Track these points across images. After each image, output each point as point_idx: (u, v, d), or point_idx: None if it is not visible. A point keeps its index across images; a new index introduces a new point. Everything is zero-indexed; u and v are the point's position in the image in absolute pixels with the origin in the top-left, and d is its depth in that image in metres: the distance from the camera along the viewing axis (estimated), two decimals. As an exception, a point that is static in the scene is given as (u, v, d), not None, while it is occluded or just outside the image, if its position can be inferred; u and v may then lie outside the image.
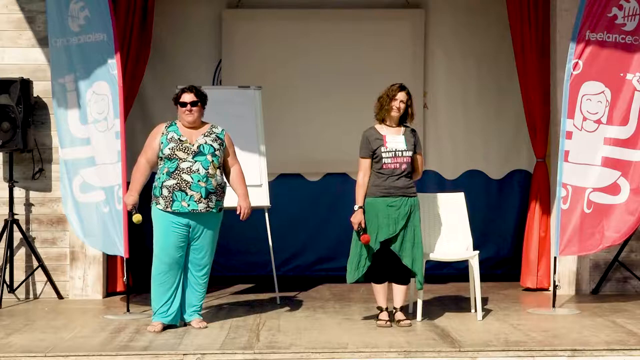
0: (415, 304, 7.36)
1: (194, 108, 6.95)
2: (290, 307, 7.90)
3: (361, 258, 7.03)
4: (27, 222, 8.41)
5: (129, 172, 7.14)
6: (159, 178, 6.90)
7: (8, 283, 8.18)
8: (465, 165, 9.93)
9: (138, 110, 9.23)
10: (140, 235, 8.44)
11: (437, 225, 7.59)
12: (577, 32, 7.57)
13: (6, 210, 8.21)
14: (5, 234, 8.13)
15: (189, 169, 6.82)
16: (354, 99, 9.38)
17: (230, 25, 9.71)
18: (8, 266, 8.17)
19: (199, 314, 7.13)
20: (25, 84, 8.16)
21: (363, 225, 6.96)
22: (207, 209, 6.87)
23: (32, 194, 8.42)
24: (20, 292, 8.35)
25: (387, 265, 7.07)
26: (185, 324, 7.07)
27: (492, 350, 6.21)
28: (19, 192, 8.35)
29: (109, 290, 8.52)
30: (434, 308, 7.73)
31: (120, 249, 7.52)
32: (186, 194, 6.80)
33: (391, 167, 7.00)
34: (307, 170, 9.90)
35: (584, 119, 7.60)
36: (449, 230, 7.58)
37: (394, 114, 7.04)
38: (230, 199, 7.17)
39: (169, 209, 6.83)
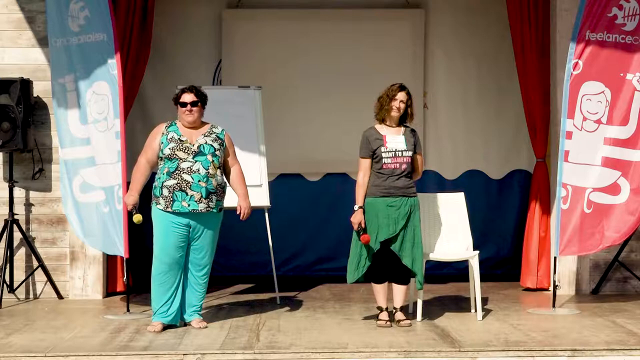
0: (415, 304, 7.36)
1: (194, 108, 6.95)
2: (290, 307, 7.90)
3: (361, 258, 7.03)
4: (27, 222, 8.41)
5: (129, 172, 7.14)
6: (159, 178, 6.90)
7: (8, 283, 8.18)
8: (465, 165, 9.93)
9: (138, 110, 9.23)
10: (140, 235, 8.44)
11: (437, 225, 7.59)
12: (577, 32, 7.57)
13: (6, 210, 8.21)
14: (5, 234, 8.14)
15: (189, 169, 6.82)
16: (354, 99, 9.38)
17: (230, 25, 9.71)
18: (8, 266, 8.17)
19: (199, 314, 7.13)
20: (25, 84, 8.17)
21: (363, 225, 6.96)
22: (208, 209, 6.87)
23: (32, 194, 8.42)
24: (20, 292, 8.35)
25: (387, 265, 7.07)
26: (185, 324, 7.07)
27: (492, 350, 6.21)
28: (19, 192, 8.35)
29: (109, 290, 8.52)
30: (434, 308, 7.73)
31: (120, 249, 7.52)
32: (186, 194, 6.80)
33: (391, 167, 7.00)
34: (307, 170, 9.90)
35: (584, 119, 7.60)
36: (449, 230, 7.58)
37: (394, 114, 7.04)
38: (231, 199, 7.17)
39: (169, 209, 6.83)
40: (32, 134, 8.29)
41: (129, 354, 6.16)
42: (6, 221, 8.18)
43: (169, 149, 6.86)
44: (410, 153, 7.04)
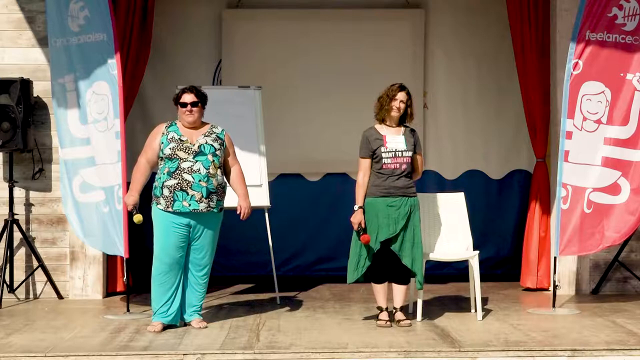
0: (415, 304, 7.36)
1: (194, 108, 6.95)
2: (290, 307, 7.90)
3: (360, 258, 7.03)
4: (27, 222, 8.41)
5: (129, 172, 7.14)
6: (160, 178, 6.90)
7: (8, 283, 8.18)
8: (465, 165, 9.93)
9: (138, 110, 9.23)
10: (140, 236, 8.44)
11: (437, 225, 7.59)
12: (577, 32, 7.57)
13: (6, 210, 8.21)
14: (5, 234, 8.13)
15: (190, 168, 6.83)
16: (354, 99, 9.38)
17: (230, 25, 9.71)
18: (8, 266, 8.17)
19: (199, 314, 7.13)
20: (25, 84, 8.17)
21: (363, 225, 6.96)
22: (208, 208, 6.87)
23: (32, 194, 8.42)
24: (20, 292, 8.35)
25: (387, 265, 7.07)
26: (185, 324, 7.07)
27: (492, 350, 6.21)
28: (19, 192, 8.35)
29: (109, 290, 8.52)
30: (434, 308, 7.72)
31: (120, 249, 7.52)
32: (187, 193, 6.81)
33: (391, 167, 7.00)
34: (307, 170, 9.90)
35: (584, 119, 7.60)
36: (449, 230, 7.58)
37: (394, 114, 7.04)
38: (231, 199, 7.17)
39: (169, 209, 6.83)
40: (32, 134, 8.29)
41: (129, 354, 6.16)
42: (6, 221, 8.18)
43: (170, 148, 6.86)
44: (410, 153, 7.04)
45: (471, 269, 7.42)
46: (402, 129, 7.12)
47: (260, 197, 8.12)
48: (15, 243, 8.30)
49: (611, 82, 7.61)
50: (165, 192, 6.84)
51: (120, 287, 8.44)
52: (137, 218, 6.90)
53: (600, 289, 8.53)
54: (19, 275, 8.33)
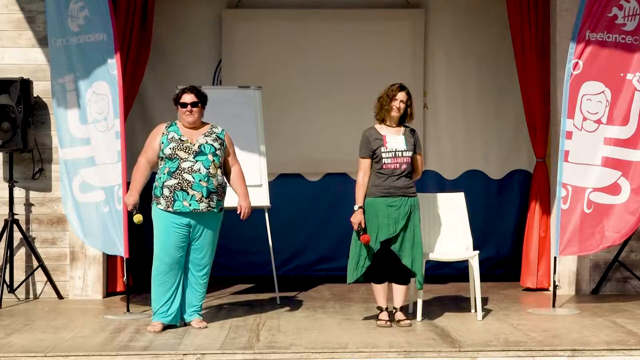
0: (415, 304, 7.36)
1: (194, 109, 6.95)
2: (290, 307, 7.90)
3: (360, 258, 7.03)
4: (27, 222, 8.41)
5: (129, 172, 7.14)
6: (160, 178, 6.90)
7: (8, 283, 8.18)
8: (465, 165, 9.93)
9: (138, 110, 9.23)
10: (140, 236, 8.44)
11: (437, 225, 7.59)
12: (577, 32, 7.57)
13: (6, 210, 8.21)
14: (5, 234, 8.13)
15: (190, 168, 6.83)
16: (354, 99, 9.38)
17: (230, 25, 9.71)
18: (8, 266, 8.17)
19: (199, 314, 7.13)
20: (25, 84, 8.17)
21: (363, 225, 6.96)
22: (209, 208, 6.87)
23: (32, 194, 8.42)
24: (20, 292, 8.34)
25: (387, 265, 7.07)
26: (185, 324, 7.07)
27: (492, 350, 6.20)
28: (19, 192, 8.35)
29: (109, 290, 8.52)
30: (434, 308, 7.72)
31: (120, 249, 7.52)
32: (187, 193, 6.81)
33: (391, 167, 7.00)
34: (307, 170, 9.90)
35: (584, 119, 7.60)
36: (449, 230, 7.58)
37: (394, 114, 7.04)
38: (231, 199, 7.17)
39: (170, 209, 6.83)
40: (32, 134, 8.29)
41: (129, 354, 6.16)
42: (6, 221, 8.17)
43: (170, 148, 6.87)
44: (410, 153, 7.04)
45: (471, 269, 7.42)
46: (402, 129, 7.12)
47: (260, 197, 8.12)
48: (15, 243, 8.30)
49: (611, 82, 7.61)
50: (166, 192, 6.84)
51: (120, 287, 8.43)
52: (137, 218, 6.90)
53: (600, 289, 8.53)
54: (19, 275, 8.33)
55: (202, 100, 7.01)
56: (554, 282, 7.79)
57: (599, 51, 7.60)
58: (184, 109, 6.96)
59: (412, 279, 7.18)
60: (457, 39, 9.81)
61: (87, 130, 7.73)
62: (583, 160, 7.60)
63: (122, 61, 7.86)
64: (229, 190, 7.12)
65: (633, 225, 7.67)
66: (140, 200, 6.96)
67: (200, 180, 6.83)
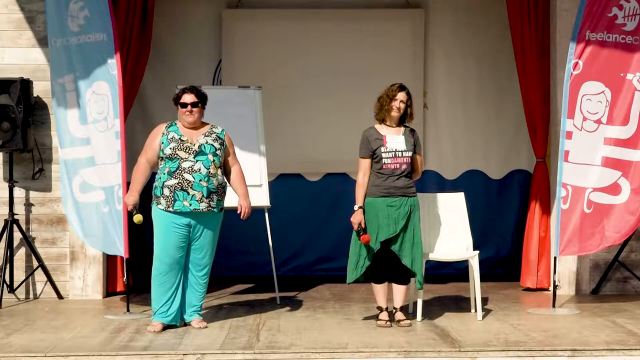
0: (415, 304, 7.36)
1: (194, 109, 6.95)
2: (290, 307, 7.90)
3: (360, 258, 7.03)
4: (27, 222, 8.41)
5: (129, 172, 7.14)
6: (160, 178, 6.90)
7: (8, 283, 8.18)
8: (465, 165, 9.93)
9: (138, 110, 9.23)
10: (140, 236, 8.44)
11: (437, 225, 7.59)
12: (577, 32, 7.57)
13: (6, 210, 8.21)
14: (5, 234, 8.13)
15: (190, 168, 6.83)
16: (354, 99, 9.38)
17: (230, 25, 9.71)
18: (8, 266, 8.17)
19: (199, 314, 7.13)
20: (25, 84, 8.16)
21: (363, 225, 6.96)
22: (209, 208, 6.87)
23: (32, 194, 8.42)
24: (20, 292, 8.34)
25: (387, 265, 7.07)
26: (185, 324, 7.07)
27: (492, 350, 6.20)
28: (19, 192, 8.35)
29: (109, 290, 8.52)
30: (434, 308, 7.72)
31: (120, 249, 7.52)
32: (188, 193, 6.81)
33: (391, 168, 7.00)
34: (307, 170, 9.90)
35: (584, 119, 7.60)
36: (449, 230, 7.58)
37: (394, 114, 7.04)
38: (231, 199, 7.17)
39: (170, 209, 6.83)
40: (32, 134, 8.29)
41: (129, 354, 6.16)
42: (6, 221, 8.17)
43: (170, 148, 6.87)
44: (410, 153, 7.04)
45: (471, 269, 7.42)
46: (402, 129, 7.12)
47: (260, 197, 8.12)
48: (15, 243, 8.30)
49: (611, 82, 7.61)
50: (166, 191, 6.84)
51: (120, 287, 8.43)
52: (137, 218, 6.90)
53: (600, 289, 8.53)
54: (19, 275, 8.33)
55: (202, 101, 7.01)
56: (554, 282, 7.79)
57: (599, 51, 7.60)
58: (184, 109, 6.96)
59: (412, 279, 7.18)
60: (457, 39, 9.81)
61: (87, 130, 7.73)
62: (583, 160, 7.60)
63: (122, 61, 7.86)
64: (229, 190, 7.13)
65: (633, 225, 7.67)
66: (140, 200, 6.96)
67: (200, 180, 6.83)
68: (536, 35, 8.61)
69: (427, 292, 7.92)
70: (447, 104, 9.88)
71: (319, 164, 9.82)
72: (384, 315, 7.08)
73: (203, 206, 6.84)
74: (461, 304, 7.95)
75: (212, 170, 6.88)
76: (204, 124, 7.06)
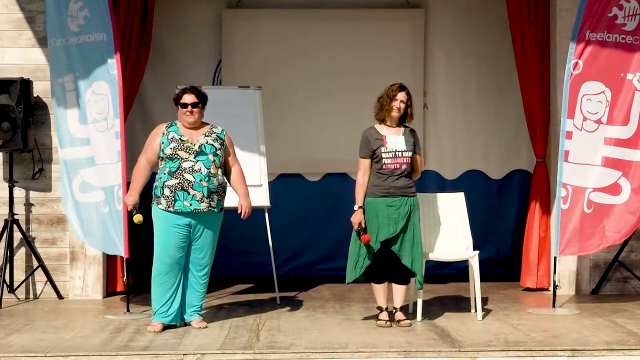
0: (415, 304, 7.36)
1: (194, 109, 6.95)
2: (290, 307, 7.90)
3: (359, 258, 7.03)
4: (27, 222, 8.41)
5: (129, 172, 7.14)
6: (160, 178, 6.90)
7: (8, 283, 8.18)
8: (465, 165, 9.93)
9: (138, 110, 9.23)
10: (140, 236, 8.44)
11: (437, 225, 7.59)
12: (577, 32, 7.57)
13: (6, 210, 8.21)
14: (5, 234, 8.13)
15: (191, 168, 6.83)
16: (354, 99, 9.38)
17: (230, 25, 9.71)
18: (8, 266, 8.17)
19: (199, 314, 7.13)
20: (25, 84, 8.16)
21: (363, 225, 6.96)
22: (209, 208, 6.87)
23: (32, 194, 8.42)
24: (20, 292, 8.34)
25: (386, 265, 7.06)
26: (185, 324, 7.07)
27: (492, 350, 6.20)
28: (19, 192, 8.35)
29: (109, 290, 8.52)
30: (434, 308, 7.72)
31: (120, 249, 7.52)
32: (188, 193, 6.81)
33: (391, 168, 7.00)
34: (307, 170, 9.90)
35: (584, 119, 7.60)
36: (449, 230, 7.58)
37: (394, 114, 7.04)
38: (231, 199, 7.17)
39: (170, 209, 6.83)
40: (32, 134, 8.29)
41: (129, 354, 6.16)
42: (6, 221, 8.17)
43: (170, 148, 6.87)
44: (410, 153, 7.04)
45: (471, 269, 7.42)
46: (402, 129, 7.12)
47: (260, 197, 8.12)
48: (15, 243, 8.30)
49: (611, 82, 7.61)
50: (166, 191, 6.84)
51: (120, 287, 8.43)
52: (137, 218, 6.90)
53: (600, 289, 8.53)
54: (19, 275, 8.33)
55: (202, 101, 7.01)
56: (554, 282, 7.79)
57: (599, 51, 7.60)
58: (185, 110, 6.96)
59: (412, 279, 7.18)
60: (457, 39, 9.81)
61: (87, 130, 7.73)
62: (583, 160, 7.60)
63: (122, 61, 7.86)
64: (229, 190, 7.13)
65: (633, 225, 7.67)
66: (140, 200, 6.96)
67: (201, 180, 6.83)
68: (536, 35, 8.61)
69: (427, 292, 7.92)
70: (447, 104, 9.88)
71: (319, 164, 9.82)
72: (384, 315, 7.08)
73: (203, 206, 6.85)
74: (461, 304, 7.95)
75: (212, 170, 6.88)
76: (204, 124, 7.06)
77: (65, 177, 7.85)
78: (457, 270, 9.33)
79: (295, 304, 8.06)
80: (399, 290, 7.14)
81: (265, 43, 9.70)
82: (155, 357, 6.14)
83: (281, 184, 9.58)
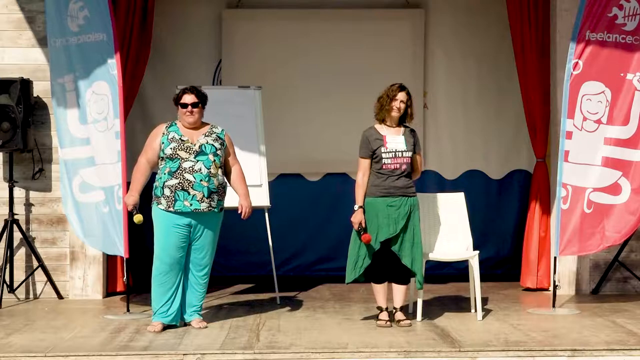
0: (415, 304, 7.36)
1: (194, 109, 6.95)
2: (290, 307, 7.90)
3: (359, 258, 7.03)
4: (27, 222, 8.41)
5: (129, 172, 7.14)
6: (160, 178, 6.90)
7: (8, 283, 8.18)
8: (465, 165, 9.93)
9: (138, 110, 9.23)
10: (140, 236, 8.44)
11: (437, 225, 7.59)
12: (577, 32, 7.57)
13: (6, 210, 8.21)
14: (5, 234, 8.13)
15: (191, 168, 6.83)
16: (354, 99, 9.38)
17: (230, 25, 9.71)
18: (8, 266, 8.17)
19: (199, 314, 7.13)
20: (25, 84, 8.16)
21: (364, 225, 6.96)
22: (210, 208, 6.87)
23: (32, 194, 8.42)
24: (20, 292, 8.34)
25: (387, 265, 7.07)
26: (185, 324, 7.07)
27: (492, 350, 6.20)
28: (19, 192, 8.35)
29: (109, 290, 8.52)
30: (434, 308, 7.72)
31: (120, 249, 7.52)
32: (189, 193, 6.81)
33: (391, 168, 7.00)
34: (307, 170, 9.90)
35: (584, 119, 7.60)
36: (449, 230, 7.58)
37: (395, 114, 7.04)
38: (231, 199, 7.17)
39: (171, 209, 6.83)
40: (32, 134, 8.29)
41: (129, 354, 6.16)
42: (6, 221, 8.17)
43: (171, 148, 6.87)
44: (410, 153, 7.04)
45: (471, 269, 7.42)
46: (402, 129, 7.12)
47: (260, 197, 8.12)
48: (15, 243, 8.30)
49: (611, 82, 7.61)
50: (167, 192, 6.84)
51: (120, 287, 8.43)
52: (137, 218, 6.90)
53: (600, 289, 8.53)
54: (19, 275, 8.33)
55: (202, 101, 7.01)
56: (554, 282, 7.79)
57: (599, 51, 7.60)
58: (185, 110, 6.96)
59: (412, 279, 7.18)
60: (457, 39, 9.81)
61: (87, 130, 7.73)
62: (583, 160, 7.60)
63: (122, 61, 7.86)
64: (229, 190, 7.13)
65: (633, 225, 7.67)
66: (140, 200, 6.96)
67: (201, 180, 6.83)
68: (536, 35, 8.61)
69: (427, 292, 7.92)
70: (447, 104, 9.88)
71: (319, 164, 9.82)
72: (384, 315, 7.08)
73: (204, 206, 6.85)
74: (461, 304, 7.95)
75: (212, 170, 6.88)
76: (204, 124, 7.06)
77: (65, 177, 7.85)
78: (457, 270, 9.33)
79: (295, 304, 8.06)
80: (399, 290, 7.14)
81: (265, 43, 9.70)
82: (155, 357, 6.14)
83: (281, 184, 9.58)
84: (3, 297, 7.98)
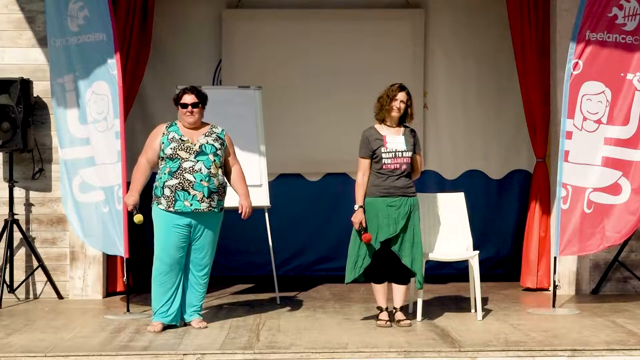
0: (415, 304, 7.36)
1: (195, 109, 6.96)
2: (290, 307, 7.90)
3: (359, 258, 7.03)
4: (27, 222, 8.41)
5: (129, 172, 7.14)
6: (161, 178, 6.90)
7: (8, 283, 8.18)
8: (465, 165, 9.93)
9: (138, 110, 9.23)
10: (140, 236, 8.44)
11: (437, 225, 7.59)
12: (577, 32, 7.57)
13: (6, 210, 8.21)
14: (5, 234, 8.13)
15: (191, 168, 6.83)
16: (354, 99, 9.38)
17: (230, 25, 9.71)
18: (8, 266, 8.17)
19: (199, 314, 7.13)
20: (25, 84, 8.16)
21: (364, 224, 6.96)
22: (210, 208, 6.87)
23: (32, 194, 8.42)
24: (20, 292, 8.34)
25: (386, 265, 7.07)
26: (185, 324, 7.07)
27: (492, 350, 6.20)
28: (19, 192, 8.35)
29: (109, 290, 8.52)
30: (434, 308, 7.72)
31: (120, 249, 7.52)
32: (189, 193, 6.81)
33: (391, 168, 7.00)
34: (307, 170, 9.90)
35: (584, 119, 7.60)
36: (449, 230, 7.58)
37: (395, 114, 7.04)
38: (231, 199, 7.17)
39: (171, 209, 6.83)
40: (32, 134, 8.29)
41: (129, 354, 6.16)
42: (6, 221, 8.17)
43: (171, 148, 6.87)
44: (410, 153, 7.04)
45: (471, 269, 7.42)
46: (402, 129, 7.12)
47: (260, 197, 8.12)
48: (15, 243, 8.30)
49: (611, 82, 7.61)
50: (167, 192, 6.84)
51: (120, 287, 8.43)
52: (138, 218, 6.90)
53: (600, 289, 8.53)
54: (19, 275, 8.33)
55: (202, 101, 7.01)
56: (554, 282, 7.79)
57: (599, 51, 7.60)
58: (185, 110, 6.96)
59: (412, 279, 7.18)
60: (457, 39, 9.81)
61: (86, 130, 7.73)
62: (583, 160, 7.60)
63: (122, 61, 7.86)
64: (229, 190, 7.13)
65: (633, 225, 7.67)
66: (140, 200, 6.96)
67: (201, 180, 6.83)
68: (536, 35, 8.61)
69: (427, 292, 7.92)
70: (447, 104, 9.88)
71: (319, 164, 9.82)
72: (384, 315, 7.08)
73: (204, 206, 6.85)
74: (461, 304, 7.95)
75: (212, 170, 6.88)
76: (204, 124, 7.06)
77: (65, 177, 7.85)
78: (457, 270, 9.33)
79: (295, 304, 8.06)
80: (399, 290, 7.14)
81: (265, 43, 9.70)
82: (155, 357, 6.14)
83: (281, 184, 9.58)
84: (3, 297, 7.98)
